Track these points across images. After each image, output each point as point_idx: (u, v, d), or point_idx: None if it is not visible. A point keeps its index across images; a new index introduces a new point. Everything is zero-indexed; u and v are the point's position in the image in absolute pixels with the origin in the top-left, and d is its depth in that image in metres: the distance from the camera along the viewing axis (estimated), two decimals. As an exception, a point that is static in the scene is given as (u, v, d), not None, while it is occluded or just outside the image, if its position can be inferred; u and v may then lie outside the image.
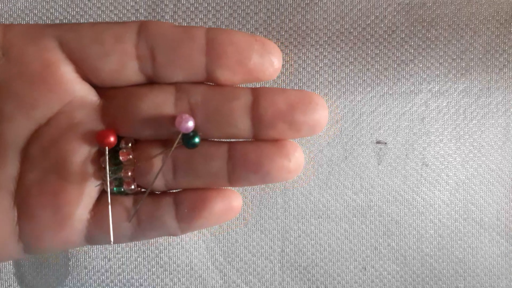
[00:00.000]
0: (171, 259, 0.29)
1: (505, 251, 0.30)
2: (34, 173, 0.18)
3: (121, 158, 0.18)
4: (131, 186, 0.19)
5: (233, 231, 0.29)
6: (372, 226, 0.30)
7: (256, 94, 0.18)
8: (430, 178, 0.30)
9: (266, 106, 0.18)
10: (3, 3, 0.28)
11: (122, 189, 0.19)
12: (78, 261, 0.29)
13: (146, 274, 0.29)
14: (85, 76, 0.18)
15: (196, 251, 0.29)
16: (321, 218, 0.30)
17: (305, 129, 0.18)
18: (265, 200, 0.29)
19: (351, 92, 0.29)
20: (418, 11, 0.29)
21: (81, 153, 0.18)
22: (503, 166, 0.30)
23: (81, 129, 0.18)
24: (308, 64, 0.29)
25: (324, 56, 0.29)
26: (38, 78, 0.17)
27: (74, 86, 0.18)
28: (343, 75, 0.29)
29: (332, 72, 0.29)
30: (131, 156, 0.18)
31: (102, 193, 0.19)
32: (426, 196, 0.30)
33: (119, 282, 0.29)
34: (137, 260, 0.29)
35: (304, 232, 0.30)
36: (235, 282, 0.30)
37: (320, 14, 0.29)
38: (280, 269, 0.30)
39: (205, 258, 0.29)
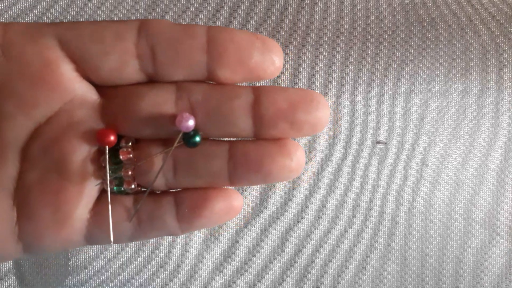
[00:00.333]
0: (171, 259, 0.29)
1: (505, 251, 0.30)
2: (34, 173, 0.18)
3: (121, 157, 0.18)
4: (131, 186, 0.19)
5: (233, 231, 0.29)
6: (372, 226, 0.30)
7: (257, 93, 0.18)
8: (430, 178, 0.30)
9: (267, 105, 0.17)
10: (3, 3, 0.28)
11: (122, 189, 0.19)
12: (78, 261, 0.29)
13: (146, 274, 0.29)
14: (85, 74, 0.18)
15: (196, 251, 0.29)
16: (321, 218, 0.30)
17: (307, 128, 0.18)
18: (265, 200, 0.29)
19: (351, 92, 0.29)
20: (418, 11, 0.29)
21: (81, 152, 0.18)
22: (503, 166, 0.30)
23: (81, 128, 0.18)
24: (308, 64, 0.29)
25: (324, 56, 0.29)
26: (38, 77, 0.17)
27: (74, 85, 0.18)
28: (343, 75, 0.29)
29: (332, 72, 0.29)
30: (131, 155, 0.18)
31: (102, 192, 0.19)
32: (426, 196, 0.30)
33: (119, 282, 0.29)
34: (137, 260, 0.29)
35: (304, 232, 0.30)
36: (235, 282, 0.30)
37: (320, 14, 0.29)
38: (280, 269, 0.30)
39: (205, 258, 0.29)
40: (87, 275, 0.29)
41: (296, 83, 0.29)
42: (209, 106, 0.18)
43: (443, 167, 0.30)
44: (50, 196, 0.18)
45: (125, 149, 0.18)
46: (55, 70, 0.17)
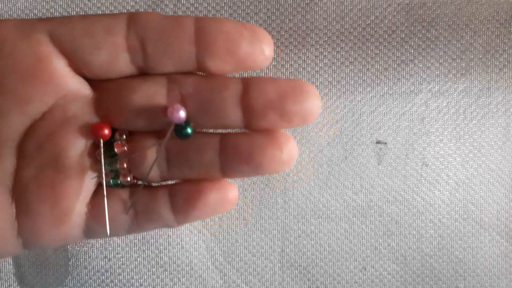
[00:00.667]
0: (171, 259, 0.29)
1: (505, 251, 0.30)
2: (31, 168, 0.18)
3: (116, 150, 0.19)
4: (127, 178, 0.19)
5: (233, 231, 0.29)
6: (372, 226, 0.30)
7: (247, 83, 0.18)
8: (430, 178, 0.30)
9: (256, 95, 0.17)
10: (3, 3, 0.28)
11: (119, 181, 0.19)
12: (78, 261, 0.29)
13: (146, 274, 0.29)
14: (78, 69, 0.18)
15: (196, 251, 0.29)
16: (321, 218, 0.30)
17: (297, 119, 0.17)
18: (265, 200, 0.29)
19: (351, 92, 0.29)
20: (418, 11, 0.29)
21: (77, 147, 0.18)
22: (503, 166, 0.30)
23: (76, 122, 0.18)
24: (308, 64, 0.29)
25: (324, 56, 0.29)
26: (32, 73, 0.17)
27: (67, 80, 0.18)
28: (343, 75, 0.29)
29: (332, 72, 0.29)
30: (125, 148, 0.19)
31: (99, 186, 0.19)
32: (426, 196, 0.30)
33: (119, 282, 0.29)
34: (137, 260, 0.29)
35: (304, 232, 0.30)
36: (235, 282, 0.30)
37: (320, 14, 0.29)
38: (280, 269, 0.30)
39: (205, 258, 0.29)
40: (87, 275, 0.29)
41: (296, 83, 0.29)
42: (200, 98, 0.18)
43: (443, 167, 0.30)
44: (48, 192, 0.18)
45: (119, 142, 0.19)
46: (48, 65, 0.17)
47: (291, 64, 0.29)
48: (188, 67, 0.18)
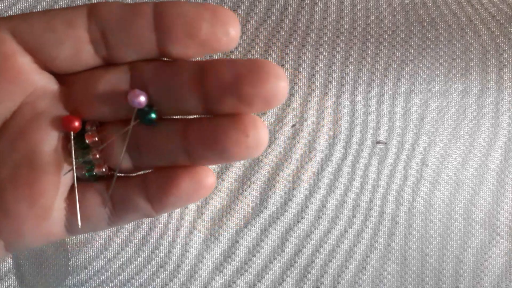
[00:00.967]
0: (171, 259, 0.29)
1: (505, 251, 0.30)
2: (6, 169, 0.18)
3: (87, 140, 0.19)
4: (102, 169, 0.19)
5: (233, 231, 0.29)
6: (372, 226, 0.30)
7: (203, 67, 0.17)
8: (430, 178, 0.30)
9: (211, 79, 0.17)
10: (3, 3, 0.28)
11: (94, 173, 0.19)
12: (78, 261, 0.29)
13: (146, 274, 0.29)
14: (43, 65, 0.18)
15: (196, 251, 0.29)
16: (321, 218, 0.30)
17: (259, 103, 0.16)
18: (265, 200, 0.29)
19: (351, 92, 0.29)
20: (418, 11, 0.29)
21: (49, 142, 0.18)
22: (503, 166, 0.30)
23: (46, 117, 0.18)
24: (308, 64, 0.29)
25: (324, 56, 0.29)
26: None
27: (34, 76, 0.18)
28: (343, 75, 0.29)
29: (332, 72, 0.29)
30: (96, 138, 0.19)
31: (76, 180, 0.19)
32: (426, 196, 0.30)
33: (119, 282, 0.29)
34: (137, 260, 0.29)
35: (304, 232, 0.30)
36: (235, 282, 0.30)
37: (320, 14, 0.29)
38: (280, 269, 0.30)
39: (205, 258, 0.29)
40: (87, 275, 0.29)
41: (296, 83, 0.29)
42: (159, 83, 0.17)
43: (443, 167, 0.30)
44: (25, 190, 0.18)
45: (90, 133, 0.19)
46: (14, 63, 0.17)
47: (291, 64, 0.29)
48: (152, 54, 0.17)
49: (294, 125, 0.29)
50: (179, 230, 0.29)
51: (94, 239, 0.29)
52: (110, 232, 0.29)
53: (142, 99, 0.17)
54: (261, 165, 0.29)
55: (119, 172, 0.19)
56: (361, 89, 0.29)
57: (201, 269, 0.29)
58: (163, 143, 0.18)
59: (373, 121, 0.29)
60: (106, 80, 0.18)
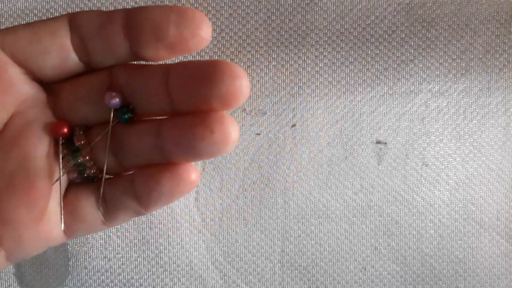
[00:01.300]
0: (171, 259, 0.29)
1: (505, 251, 0.30)
2: (0, 178, 0.18)
3: (76, 143, 0.19)
4: (93, 170, 0.20)
5: (233, 231, 0.29)
6: (372, 226, 0.30)
7: (168, 70, 0.18)
8: (430, 178, 0.30)
9: (174, 82, 0.17)
10: (3, 3, 0.28)
11: (86, 175, 0.20)
12: (78, 261, 0.29)
13: (146, 274, 0.29)
14: (32, 75, 0.18)
15: (196, 251, 0.29)
16: (321, 218, 0.30)
17: (216, 102, 0.17)
18: (265, 200, 0.29)
19: (351, 92, 0.29)
20: (418, 11, 0.29)
21: (42, 148, 0.19)
22: (503, 166, 0.30)
23: (37, 125, 0.19)
24: (308, 64, 0.29)
25: (324, 56, 0.29)
26: None
27: (24, 86, 0.18)
28: (343, 75, 0.29)
29: (332, 72, 0.29)
30: (84, 141, 0.19)
31: (70, 183, 0.20)
32: (426, 196, 0.30)
33: (119, 282, 0.29)
34: (137, 260, 0.29)
35: (304, 232, 0.30)
36: (235, 282, 0.30)
37: (320, 14, 0.29)
38: (280, 269, 0.30)
39: (205, 258, 0.29)
40: (87, 275, 0.29)
41: (296, 83, 0.29)
42: (132, 85, 0.18)
43: (443, 167, 0.30)
44: (22, 197, 0.18)
45: (78, 136, 0.19)
46: (4, 75, 0.18)
47: (291, 64, 0.29)
48: (127, 58, 0.18)
49: (294, 125, 0.29)
50: (179, 230, 0.29)
51: (94, 239, 0.29)
52: (110, 232, 0.29)
53: (117, 100, 0.18)
54: (261, 165, 0.29)
55: (109, 174, 0.20)
56: (361, 89, 0.29)
57: (201, 269, 0.29)
58: (139, 142, 0.19)
59: (373, 121, 0.29)
60: (88, 86, 0.19)
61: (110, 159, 0.19)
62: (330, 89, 0.29)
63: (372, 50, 0.29)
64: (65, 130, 0.19)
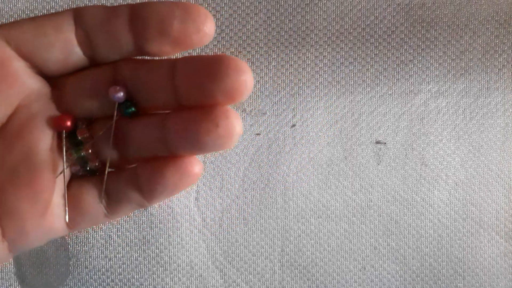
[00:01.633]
0: (171, 259, 0.29)
1: (504, 251, 0.30)
2: (4, 170, 0.18)
3: (79, 136, 0.20)
4: (95, 163, 0.20)
5: (233, 231, 0.29)
6: (372, 226, 0.30)
7: (173, 64, 0.18)
8: (430, 178, 0.30)
9: (179, 76, 0.18)
10: (3, 3, 0.28)
11: (88, 168, 0.20)
12: (79, 261, 0.29)
13: (147, 274, 0.29)
14: (36, 69, 0.19)
15: (197, 250, 0.29)
16: (321, 218, 0.30)
17: (222, 96, 0.17)
18: (265, 200, 0.29)
19: (351, 92, 0.29)
20: (418, 11, 0.29)
21: (45, 141, 0.19)
22: (503, 166, 0.30)
23: (41, 118, 0.19)
24: (308, 64, 0.29)
25: (324, 56, 0.29)
26: None
27: (28, 80, 0.19)
28: (343, 75, 0.29)
29: (332, 72, 0.29)
30: (87, 134, 0.20)
31: (73, 176, 0.20)
32: (426, 196, 0.30)
33: (120, 281, 0.29)
34: (137, 260, 0.29)
35: (304, 232, 0.30)
36: (235, 282, 0.30)
37: (320, 15, 0.29)
38: (280, 269, 0.30)
39: (205, 258, 0.29)
40: (88, 275, 0.29)
41: (296, 83, 0.29)
42: (137, 79, 0.19)
43: (443, 167, 0.30)
44: (26, 189, 0.19)
45: (81, 129, 0.20)
46: (10, 68, 0.18)
47: (291, 64, 0.29)
48: (131, 53, 0.18)
49: (294, 125, 0.29)
50: (179, 230, 0.29)
51: (94, 239, 0.29)
52: (111, 232, 0.29)
53: (121, 94, 0.18)
54: (261, 165, 0.29)
55: (111, 167, 0.20)
56: (361, 89, 0.29)
57: (201, 269, 0.29)
58: (143, 135, 0.19)
59: (373, 121, 0.29)
60: (92, 80, 0.19)
61: (113, 153, 0.20)
62: (330, 89, 0.29)
63: (372, 50, 0.29)
64: (69, 123, 0.19)
